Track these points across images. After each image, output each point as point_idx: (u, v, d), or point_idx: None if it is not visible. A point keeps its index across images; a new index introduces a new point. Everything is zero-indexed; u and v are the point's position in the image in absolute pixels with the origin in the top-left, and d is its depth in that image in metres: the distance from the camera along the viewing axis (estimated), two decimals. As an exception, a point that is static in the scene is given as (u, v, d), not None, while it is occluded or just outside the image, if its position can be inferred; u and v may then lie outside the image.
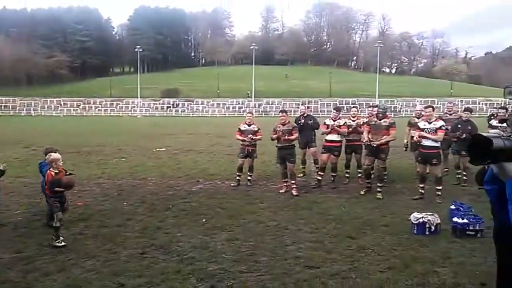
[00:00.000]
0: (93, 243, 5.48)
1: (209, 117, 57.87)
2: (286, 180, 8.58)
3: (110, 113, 66.22)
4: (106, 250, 5.22)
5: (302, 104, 9.70)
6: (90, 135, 22.71)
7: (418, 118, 9.75)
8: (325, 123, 9.35)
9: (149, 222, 6.39)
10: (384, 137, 8.01)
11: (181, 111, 68.09)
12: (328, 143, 9.17)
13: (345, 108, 47.60)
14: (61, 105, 69.35)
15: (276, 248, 5.30)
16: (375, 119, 8.30)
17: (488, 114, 14.03)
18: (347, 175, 9.43)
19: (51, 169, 5.48)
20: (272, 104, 68.78)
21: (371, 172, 8.28)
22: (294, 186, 8.38)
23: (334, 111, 9.54)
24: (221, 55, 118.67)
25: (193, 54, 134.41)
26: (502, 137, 1.40)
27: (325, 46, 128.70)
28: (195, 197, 8.10)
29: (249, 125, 9.43)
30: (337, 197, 8.06)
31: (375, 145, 8.00)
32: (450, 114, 10.12)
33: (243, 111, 62.18)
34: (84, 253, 5.13)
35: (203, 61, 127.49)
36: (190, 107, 69.89)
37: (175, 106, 70.27)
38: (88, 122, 39.21)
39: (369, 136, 8.15)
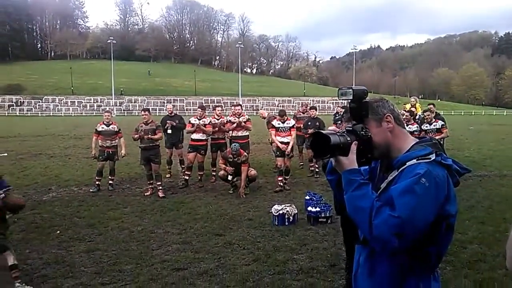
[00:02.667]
0: None
1: (62, 117, 52.33)
2: (151, 182, 8.29)
3: None
4: None
5: (168, 103, 9.43)
6: None
7: (304, 113, 10.92)
8: (190, 122, 9.34)
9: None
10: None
11: (27, 110, 60.14)
12: (194, 142, 9.20)
13: (210, 107, 48.51)
14: None
15: (142, 254, 5.07)
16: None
17: (334, 112, 15.92)
18: (213, 173, 9.56)
19: None
20: (135, 102, 65.86)
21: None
22: (160, 187, 8.15)
23: (199, 109, 9.60)
24: (74, 48, 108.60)
25: (39, 46, 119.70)
26: (338, 133, 1.59)
27: (188, 44, 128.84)
28: (47, 207, 7.22)
29: (107, 125, 8.84)
30: (204, 196, 8.12)
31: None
32: (303, 113, 11.15)
33: (103, 110, 58.21)
34: None
35: (52, 53, 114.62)
36: (39, 105, 62.27)
37: (19, 104, 61.64)
38: None
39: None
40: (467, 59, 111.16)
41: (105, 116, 9.09)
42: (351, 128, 1.61)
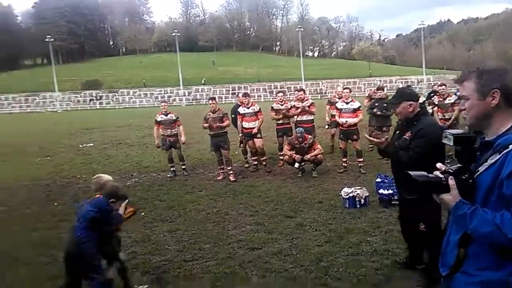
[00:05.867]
0: (24, 250, 5.15)
1: (137, 108, 55.68)
2: (222, 167, 8.66)
3: (26, 109, 60.96)
4: (41, 255, 4.94)
5: (232, 91, 9.58)
6: (9, 134, 20.79)
7: (339, 98, 10.52)
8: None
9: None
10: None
11: (106, 103, 64.75)
12: (246, 130, 9.15)
13: (273, 93, 48.45)
14: (-33, 103, 62.49)
15: (219, 234, 5.40)
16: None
17: (427, 92, 15.07)
18: (281, 157, 9.70)
19: None
20: (202, 91, 67.98)
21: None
22: (231, 172, 8.49)
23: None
24: (142, 43, 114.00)
25: (112, 42, 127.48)
26: (431, 174, 1.63)
27: (248, 32, 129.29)
28: (131, 191, 7.84)
29: (166, 115, 9.26)
30: (273, 179, 8.33)
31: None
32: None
33: (173, 100, 60.94)
34: (17, 260, 4.82)
35: (124, 49, 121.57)
36: (115, 98, 66.67)
37: (98, 98, 66.57)
38: (3, 121, 35.69)
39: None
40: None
41: (162, 106, 9.50)
42: (452, 171, 1.61)
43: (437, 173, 1.63)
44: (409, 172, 1.61)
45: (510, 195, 1.42)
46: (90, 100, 65.86)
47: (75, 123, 27.17)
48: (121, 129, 21.21)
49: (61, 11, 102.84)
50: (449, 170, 1.61)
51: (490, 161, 1.51)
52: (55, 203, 7.26)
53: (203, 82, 72.07)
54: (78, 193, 7.97)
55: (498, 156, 1.49)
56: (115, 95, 67.35)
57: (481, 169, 1.53)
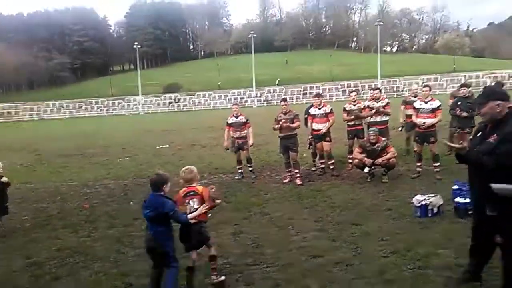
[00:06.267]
0: (101, 245, 5.60)
1: (211, 110, 57.88)
2: (289, 169, 8.61)
3: (112, 112, 66.51)
4: (114, 251, 5.33)
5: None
6: (94, 136, 22.88)
7: (415, 97, 9.80)
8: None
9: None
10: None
11: (183, 106, 68.17)
12: (315, 131, 8.93)
13: (346, 92, 47.19)
14: (63, 107, 69.89)
15: (281, 239, 5.37)
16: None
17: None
18: (350, 161, 9.35)
19: None
20: (273, 92, 68.48)
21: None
22: (298, 175, 8.41)
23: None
24: (220, 46, 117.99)
25: (192, 46, 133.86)
26: None
27: (324, 29, 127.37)
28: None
29: (236, 117, 9.34)
30: (340, 184, 8.09)
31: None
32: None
33: (245, 102, 62.21)
34: (93, 255, 5.25)
35: (202, 53, 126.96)
36: (192, 101, 69.88)
37: (177, 101, 70.32)
38: (90, 123, 39.42)
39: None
40: None
41: (234, 108, 9.62)
42: None
43: None
44: (492, 185, 1.42)
45: None
46: (169, 103, 69.75)
47: (154, 125, 29.01)
48: (195, 130, 22.16)
49: (148, 18, 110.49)
50: None
51: None
52: (131, 202, 7.79)
53: (277, 83, 72.53)
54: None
55: None
56: (192, 98, 70.53)
57: None
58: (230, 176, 9.62)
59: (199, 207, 4.18)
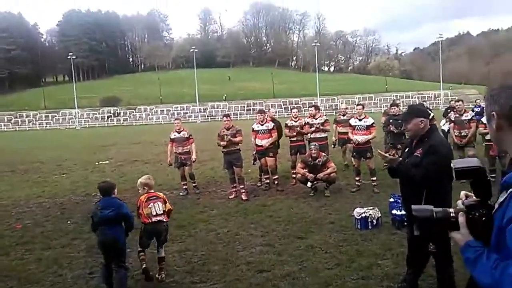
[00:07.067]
0: (36, 268, 5.22)
1: (153, 125, 56.45)
2: (235, 185, 8.65)
3: (46, 126, 62.55)
4: (51, 274, 5.01)
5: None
6: (26, 151, 21.33)
7: (343, 115, 10.57)
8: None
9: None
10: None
11: (123, 120, 65.97)
12: (258, 147, 9.13)
13: (288, 109, 48.47)
14: (-11, 120, 64.52)
15: (228, 255, 5.36)
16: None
17: (444, 108, 15.00)
18: (293, 175, 9.62)
19: None
20: (217, 108, 68.56)
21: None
22: (243, 190, 8.47)
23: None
24: (160, 59, 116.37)
25: (131, 59, 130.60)
26: (439, 209, 1.49)
27: (265, 47, 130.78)
28: (143, 210, 7.93)
29: (179, 132, 9.31)
30: (285, 198, 8.27)
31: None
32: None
33: (188, 117, 61.61)
34: (27, 279, 4.89)
35: (143, 66, 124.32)
36: (133, 115, 67.92)
37: (116, 115, 67.93)
38: (22, 138, 36.72)
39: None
40: None
41: (176, 123, 9.56)
42: (464, 207, 1.48)
43: (459, 202, 1.52)
44: (413, 206, 1.49)
45: (510, 246, 1.24)
46: (108, 117, 67.18)
47: (92, 140, 27.71)
48: (137, 146, 21.53)
49: (83, 28, 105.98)
50: (464, 203, 1.48)
51: (500, 199, 1.37)
52: (68, 221, 7.35)
53: (224, 98, 72.88)
54: (91, 210, 8.04)
55: (505, 195, 1.34)
56: (133, 112, 68.55)
57: (496, 205, 1.39)
58: (174, 192, 9.44)
59: (163, 208, 4.88)
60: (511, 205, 1.28)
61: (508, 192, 1.32)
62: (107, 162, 15.23)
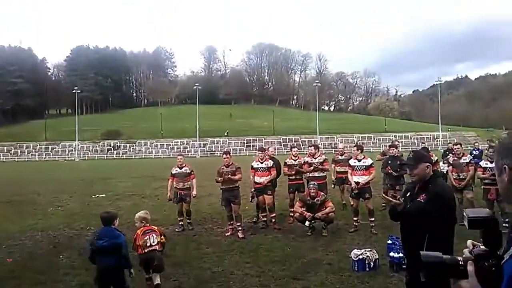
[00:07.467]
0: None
1: (153, 159, 56.52)
2: (232, 222, 8.55)
3: (45, 157, 62.59)
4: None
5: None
6: (23, 182, 21.24)
7: (341, 155, 10.58)
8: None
9: (88, 276, 6.02)
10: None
11: (123, 153, 66.14)
12: (257, 185, 9.09)
13: (288, 146, 48.77)
14: (-10, 150, 64.72)
15: (222, 295, 5.22)
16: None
17: (443, 150, 15.17)
18: (291, 214, 9.53)
19: None
20: (217, 143, 68.90)
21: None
22: (240, 228, 8.36)
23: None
24: (164, 95, 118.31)
25: (135, 94, 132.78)
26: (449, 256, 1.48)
27: (267, 86, 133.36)
28: (138, 246, 7.79)
29: (181, 168, 9.35)
30: (282, 237, 8.14)
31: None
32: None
33: (188, 151, 61.78)
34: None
35: (146, 101, 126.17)
36: (133, 148, 68.18)
37: (116, 148, 68.22)
38: (20, 168, 36.66)
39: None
40: None
41: (178, 159, 9.60)
42: (473, 256, 1.47)
43: (465, 251, 1.50)
44: (421, 252, 1.49)
45: None
46: (108, 150, 67.41)
47: (90, 173, 27.63)
48: (135, 179, 21.42)
49: (90, 64, 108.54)
50: (472, 252, 1.47)
51: (510, 251, 1.36)
52: (61, 256, 7.21)
53: (226, 134, 73.48)
54: (85, 245, 7.91)
55: None
56: (133, 146, 68.83)
57: (506, 257, 1.37)
58: (170, 228, 9.30)
59: (158, 240, 5.22)
60: None
61: None
62: (104, 195, 15.12)
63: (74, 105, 77.55)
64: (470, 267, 1.41)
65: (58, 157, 62.73)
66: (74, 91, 72.13)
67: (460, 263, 1.45)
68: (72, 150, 66.90)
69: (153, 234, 5.19)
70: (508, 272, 1.32)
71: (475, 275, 1.40)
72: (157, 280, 5.13)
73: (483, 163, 8.81)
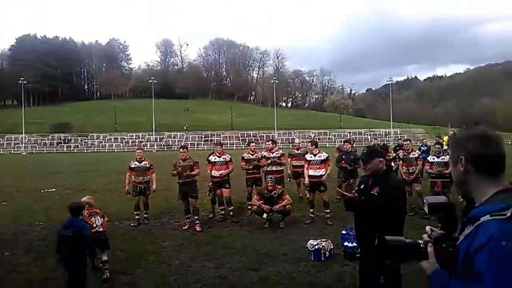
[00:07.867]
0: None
1: (106, 153, 54.60)
2: (189, 216, 8.47)
3: (-12, 151, 58.64)
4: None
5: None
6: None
7: (297, 150, 10.81)
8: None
9: (37, 273, 5.75)
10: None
11: (74, 147, 63.39)
12: (214, 179, 9.14)
13: (246, 141, 48.86)
14: None
15: (180, 288, 5.17)
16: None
17: (394, 145, 15.73)
18: (249, 207, 9.57)
19: None
20: (174, 138, 67.79)
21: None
22: (198, 221, 8.30)
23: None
24: (118, 88, 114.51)
25: (86, 87, 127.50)
26: (409, 239, 1.59)
27: (224, 82, 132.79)
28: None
29: (140, 162, 9.21)
30: (240, 230, 8.18)
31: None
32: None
33: (144, 145, 60.26)
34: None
35: (98, 94, 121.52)
36: (84, 142, 65.52)
37: (66, 141, 65.21)
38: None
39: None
40: (510, 88, 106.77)
41: (137, 153, 9.48)
42: (431, 238, 1.58)
43: (424, 236, 1.61)
44: (386, 237, 1.58)
45: (479, 271, 1.31)
46: (58, 143, 64.36)
47: (38, 167, 26.27)
48: (87, 174, 20.62)
49: (37, 54, 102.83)
50: (431, 236, 1.58)
51: (466, 231, 1.46)
52: (6, 253, 6.80)
53: (185, 128, 72.46)
54: (33, 241, 7.54)
55: (471, 228, 1.43)
56: (85, 139, 66.18)
57: (461, 237, 1.48)
58: (124, 223, 9.05)
59: (101, 221, 5.81)
60: (478, 237, 1.38)
61: (475, 225, 1.42)
62: (54, 190, 14.44)
63: (20, 97, 73.13)
64: (430, 249, 1.53)
65: (2, 151, 59.04)
66: (19, 81, 67.89)
67: (421, 245, 1.56)
68: (18, 143, 63.20)
69: (98, 216, 5.76)
70: (463, 250, 1.43)
71: (435, 255, 1.52)
72: (105, 257, 5.57)
73: (430, 158, 9.32)
